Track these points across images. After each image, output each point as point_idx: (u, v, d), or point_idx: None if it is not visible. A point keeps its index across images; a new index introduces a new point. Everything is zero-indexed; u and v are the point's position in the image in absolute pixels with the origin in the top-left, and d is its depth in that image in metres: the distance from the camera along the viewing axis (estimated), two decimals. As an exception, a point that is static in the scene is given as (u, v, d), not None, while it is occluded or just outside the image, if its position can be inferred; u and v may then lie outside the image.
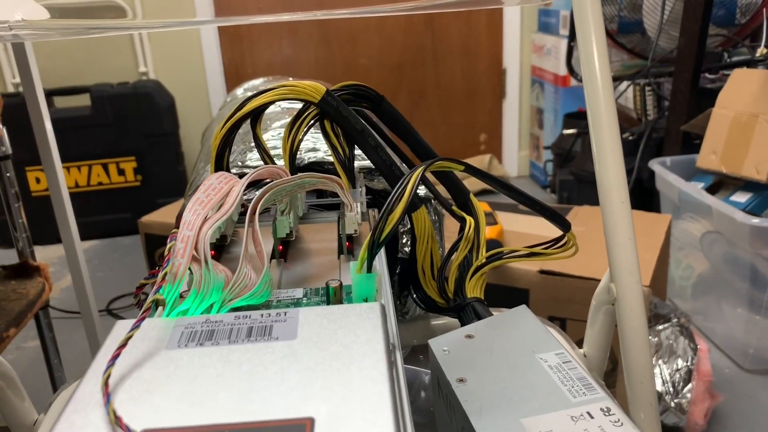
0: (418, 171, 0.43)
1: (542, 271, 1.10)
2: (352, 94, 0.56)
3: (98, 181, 2.24)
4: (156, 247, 1.55)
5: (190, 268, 0.39)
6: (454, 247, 0.60)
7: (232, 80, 2.46)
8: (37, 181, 2.20)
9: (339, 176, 0.58)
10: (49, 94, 2.07)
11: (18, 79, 2.29)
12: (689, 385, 1.11)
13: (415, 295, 0.61)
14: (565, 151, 1.97)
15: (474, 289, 0.57)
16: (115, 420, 0.28)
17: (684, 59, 1.59)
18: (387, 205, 0.41)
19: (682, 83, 1.60)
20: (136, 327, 0.34)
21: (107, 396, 0.30)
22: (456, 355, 0.44)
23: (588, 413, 0.37)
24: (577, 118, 2.02)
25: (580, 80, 2.06)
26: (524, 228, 1.28)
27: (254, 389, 0.31)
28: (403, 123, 0.59)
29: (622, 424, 0.36)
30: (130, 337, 0.33)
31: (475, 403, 0.39)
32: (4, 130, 1.26)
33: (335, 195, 0.67)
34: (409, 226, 0.64)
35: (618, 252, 0.58)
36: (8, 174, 1.29)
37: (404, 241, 0.69)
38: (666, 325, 1.17)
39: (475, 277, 0.58)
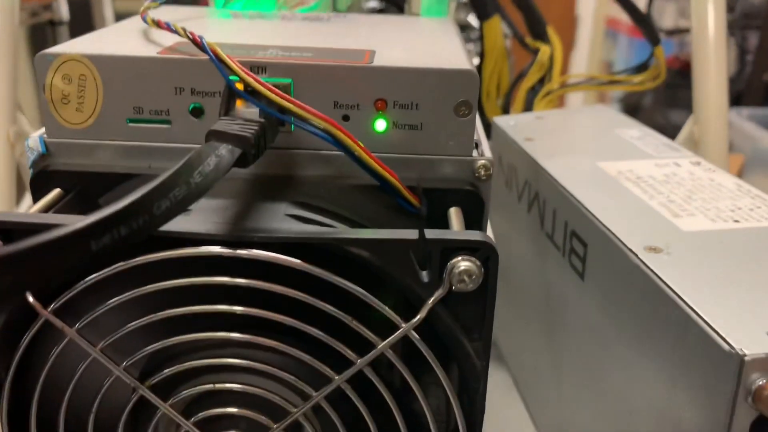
0: None
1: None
2: None
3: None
4: None
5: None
6: (523, 73, 0.56)
7: None
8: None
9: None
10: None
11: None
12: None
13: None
14: (635, 102, 1.88)
15: (543, 112, 0.53)
16: (154, 22, 0.25)
17: (777, 5, 1.48)
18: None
19: (771, 31, 1.50)
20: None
21: (144, 16, 0.26)
22: (524, 127, 0.40)
23: (675, 163, 0.32)
24: (650, 70, 1.92)
25: (658, 30, 1.96)
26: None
27: (312, 34, 0.27)
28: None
29: (714, 170, 0.31)
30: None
31: (545, 152, 0.34)
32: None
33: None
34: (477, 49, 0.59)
35: (706, 88, 0.52)
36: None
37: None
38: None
39: (545, 99, 0.53)
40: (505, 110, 0.56)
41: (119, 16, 1.22)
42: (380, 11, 0.63)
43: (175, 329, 0.22)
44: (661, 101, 1.78)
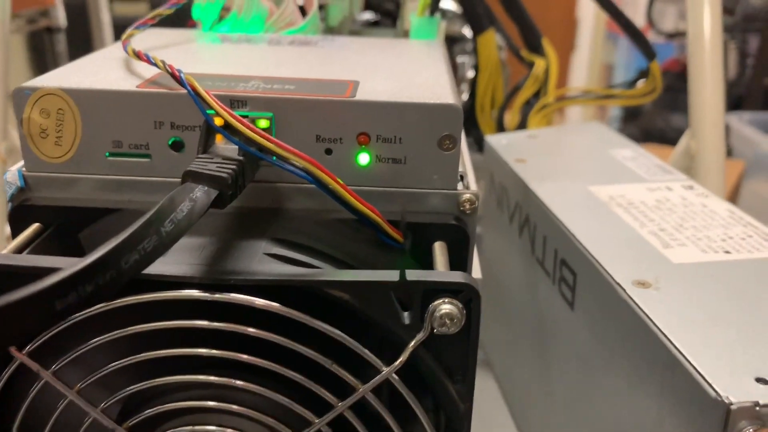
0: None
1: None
2: None
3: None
4: None
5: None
6: (518, 87, 0.55)
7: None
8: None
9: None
10: (113, -1, 2.07)
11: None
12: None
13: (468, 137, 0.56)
14: (635, 106, 1.87)
15: (538, 126, 0.52)
16: (134, 53, 0.24)
17: (778, 8, 1.47)
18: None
19: (772, 34, 1.49)
20: (172, 6, 0.30)
21: (125, 45, 0.26)
22: (516, 147, 0.39)
23: (667, 187, 0.32)
24: (651, 73, 1.92)
25: (659, 33, 1.95)
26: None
27: (297, 61, 0.27)
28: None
29: (707, 195, 0.31)
30: (160, 14, 0.30)
31: (535, 174, 0.34)
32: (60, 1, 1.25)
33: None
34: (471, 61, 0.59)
35: (701, 100, 0.51)
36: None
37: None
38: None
39: (541, 113, 0.53)
40: (500, 124, 0.55)
41: (116, 21, 1.22)
42: (375, 23, 0.62)
43: (155, 369, 0.21)
44: (662, 105, 1.77)
